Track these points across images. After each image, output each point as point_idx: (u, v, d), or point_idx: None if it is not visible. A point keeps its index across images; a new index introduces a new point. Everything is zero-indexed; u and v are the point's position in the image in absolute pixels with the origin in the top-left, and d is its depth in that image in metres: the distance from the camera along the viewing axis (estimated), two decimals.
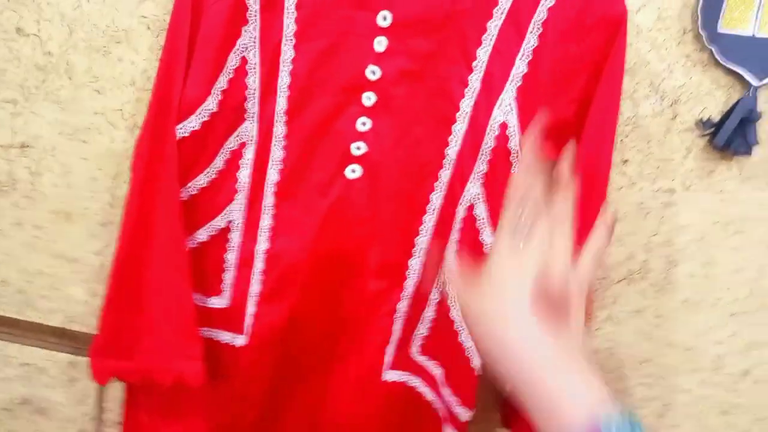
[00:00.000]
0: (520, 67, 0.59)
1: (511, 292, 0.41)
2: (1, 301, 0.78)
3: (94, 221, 0.74)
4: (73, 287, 0.77)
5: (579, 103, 0.61)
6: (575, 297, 0.41)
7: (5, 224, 0.74)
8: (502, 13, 0.59)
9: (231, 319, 0.70)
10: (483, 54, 0.60)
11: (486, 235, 0.62)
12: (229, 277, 0.70)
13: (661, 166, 0.69)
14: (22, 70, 0.70)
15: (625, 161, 0.69)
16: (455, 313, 0.65)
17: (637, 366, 0.77)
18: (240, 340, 0.70)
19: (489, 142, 0.61)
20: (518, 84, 0.60)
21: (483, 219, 0.62)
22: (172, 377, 0.67)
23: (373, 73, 0.61)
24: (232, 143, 0.66)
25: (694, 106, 0.67)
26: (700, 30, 0.63)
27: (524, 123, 0.60)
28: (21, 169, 0.73)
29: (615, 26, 0.58)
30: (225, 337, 0.71)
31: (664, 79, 0.66)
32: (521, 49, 0.59)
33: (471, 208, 0.63)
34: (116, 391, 0.79)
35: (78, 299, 0.77)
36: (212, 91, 0.62)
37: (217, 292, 0.70)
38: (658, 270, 0.73)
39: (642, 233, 0.71)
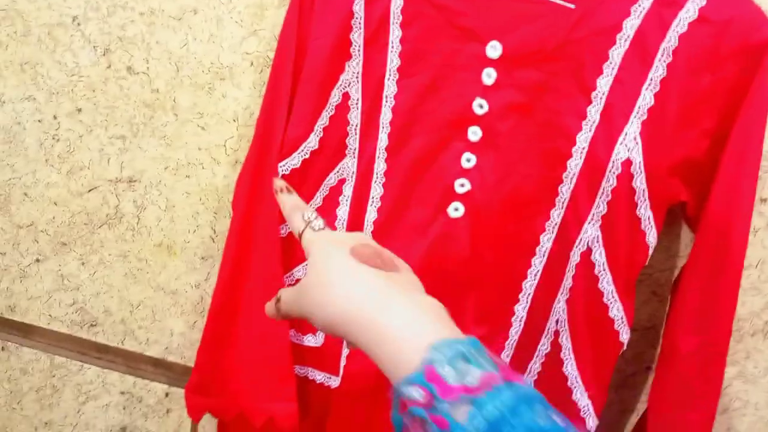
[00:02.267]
0: (645, 98, 0.54)
1: (333, 258, 0.38)
2: (103, 330, 0.80)
3: (195, 255, 0.75)
4: (172, 319, 0.78)
5: (712, 138, 0.54)
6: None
7: (110, 256, 0.76)
8: (626, 39, 0.54)
9: (326, 359, 0.68)
10: (604, 84, 0.55)
11: (605, 283, 0.57)
12: None
13: None
14: (131, 107, 0.72)
15: (764, 200, 0.62)
16: (569, 368, 0.59)
17: None
18: (334, 382, 0.67)
19: (610, 180, 0.56)
20: (643, 117, 0.54)
21: (602, 265, 0.57)
22: (264, 417, 0.66)
23: (481, 106, 0.58)
24: (331, 179, 0.64)
25: None
26: None
27: (650, 160, 0.54)
28: (127, 203, 0.74)
29: (758, 53, 0.52)
30: (319, 377, 0.69)
31: None
32: (647, 79, 0.54)
33: (588, 252, 0.58)
34: (210, 423, 0.79)
35: (176, 331, 0.78)
36: (315, 129, 0.61)
37: (313, 330, 0.68)
38: None
39: None
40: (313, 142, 0.61)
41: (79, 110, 0.72)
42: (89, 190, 0.75)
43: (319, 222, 0.43)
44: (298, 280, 0.67)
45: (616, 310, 0.57)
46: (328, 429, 0.69)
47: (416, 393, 0.30)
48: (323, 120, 0.61)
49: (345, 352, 0.66)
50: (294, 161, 0.62)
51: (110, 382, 0.81)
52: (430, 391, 0.30)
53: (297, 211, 0.43)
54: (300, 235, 0.42)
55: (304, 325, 0.68)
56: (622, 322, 0.57)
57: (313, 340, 0.68)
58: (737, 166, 0.53)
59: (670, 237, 0.64)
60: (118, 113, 0.72)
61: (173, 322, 0.78)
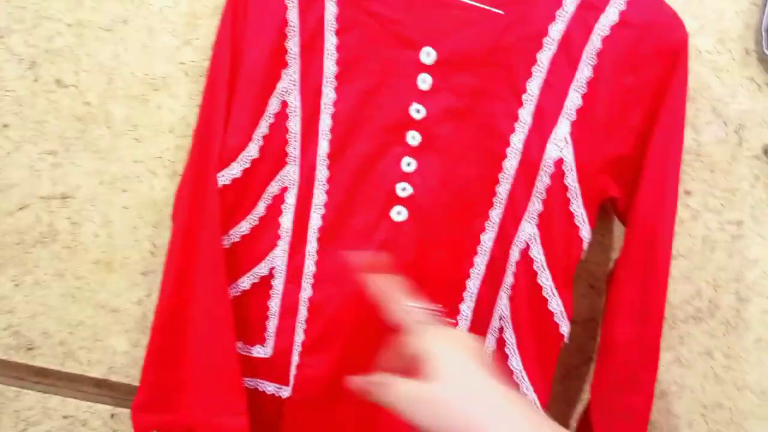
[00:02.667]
0: (573, 99, 0.56)
1: (466, 373, 0.39)
2: (42, 353, 0.76)
3: (135, 270, 0.73)
4: (114, 338, 0.75)
5: (638, 136, 0.57)
6: None
7: (46, 275, 0.74)
8: (553, 43, 0.56)
9: (275, 369, 0.67)
10: (534, 87, 0.57)
11: (544, 279, 0.59)
12: (272, 325, 0.67)
13: (728, 196, 0.65)
14: (61, 121, 0.69)
15: (688, 193, 0.65)
16: (514, 363, 0.61)
17: (707, 411, 0.71)
18: (285, 392, 0.67)
19: (543, 179, 0.58)
20: (572, 118, 0.56)
21: (539, 261, 0.59)
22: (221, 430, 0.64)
23: (418, 111, 0.59)
24: (273, 188, 0.64)
25: (762, 131, 0.63)
26: (765, 50, 0.59)
27: (580, 158, 0.57)
28: (61, 219, 0.72)
29: (675, 53, 0.55)
30: (269, 388, 0.68)
31: (728, 104, 0.62)
32: (574, 81, 0.56)
33: (526, 249, 0.59)
34: None
35: (119, 350, 0.76)
36: (253, 137, 0.60)
37: (261, 341, 0.68)
38: (727, 307, 0.68)
39: (709, 268, 0.67)
40: (252, 150, 0.61)
41: (6, 126, 0.69)
42: (20, 209, 0.72)
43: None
44: (243, 292, 0.66)
45: (555, 304, 0.59)
46: None
47: None
48: (262, 128, 0.61)
49: (295, 361, 0.66)
50: (234, 171, 0.61)
51: (51, 406, 0.78)
52: None
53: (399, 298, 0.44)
54: (408, 325, 0.43)
55: (252, 336, 0.67)
56: (562, 315, 0.59)
57: (262, 351, 0.68)
58: (661, 161, 0.56)
59: (603, 231, 0.66)
60: (48, 128, 0.70)
61: (116, 341, 0.75)
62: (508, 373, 0.61)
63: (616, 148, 0.57)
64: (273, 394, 0.68)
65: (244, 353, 0.67)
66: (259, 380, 0.68)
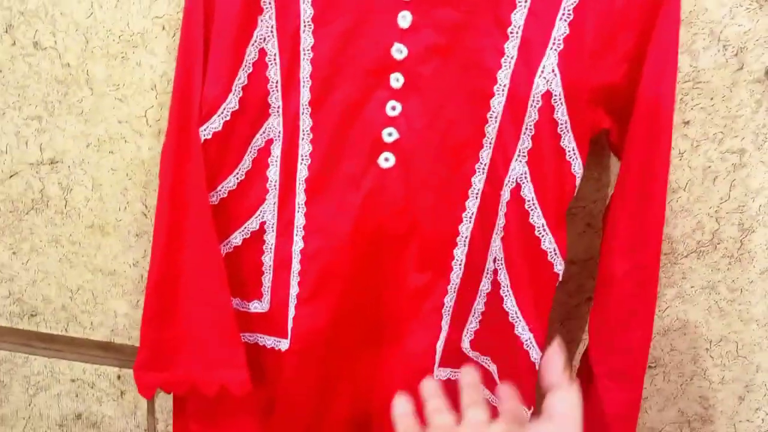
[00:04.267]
0: (560, 28, 0.54)
1: None
2: (45, 319, 0.77)
3: (129, 232, 0.73)
4: (114, 300, 0.76)
5: (630, 63, 0.54)
6: None
7: (42, 242, 0.74)
8: None
9: (273, 323, 0.67)
10: (518, 18, 0.54)
11: (535, 218, 0.57)
12: (267, 280, 0.67)
13: (729, 124, 0.62)
14: (43, 85, 0.68)
15: (687, 122, 0.63)
16: (509, 304, 0.60)
17: (713, 346, 0.70)
18: (284, 345, 0.67)
19: (532, 115, 0.55)
20: (560, 48, 0.54)
21: (531, 200, 0.57)
22: (216, 387, 0.65)
23: (400, 51, 0.57)
24: (258, 141, 0.62)
25: (763, 53, 0.59)
26: None
27: (569, 91, 0.54)
28: (52, 185, 0.72)
29: None
30: (269, 341, 0.68)
31: (726, 26, 0.59)
32: (560, 9, 0.53)
33: (517, 189, 0.58)
34: (166, 401, 0.78)
35: (120, 312, 0.76)
36: (233, 89, 0.59)
37: (258, 296, 0.68)
38: (730, 240, 0.66)
39: (711, 200, 0.65)
40: (232, 102, 0.59)
41: None
42: (10, 176, 0.72)
43: None
44: (236, 248, 0.66)
45: (548, 243, 0.57)
46: (282, 391, 0.69)
47: None
48: (241, 79, 0.59)
49: (291, 313, 0.65)
50: (215, 124, 0.60)
51: (59, 370, 0.79)
52: None
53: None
54: None
55: (248, 291, 0.67)
56: (555, 254, 0.57)
57: (259, 306, 0.68)
58: (655, 88, 0.54)
59: (600, 168, 0.64)
60: (30, 92, 0.69)
61: (116, 304, 0.76)
62: (504, 315, 0.61)
63: (607, 77, 0.54)
64: (272, 348, 0.68)
65: (242, 309, 0.68)
66: (258, 334, 0.69)
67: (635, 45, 0.54)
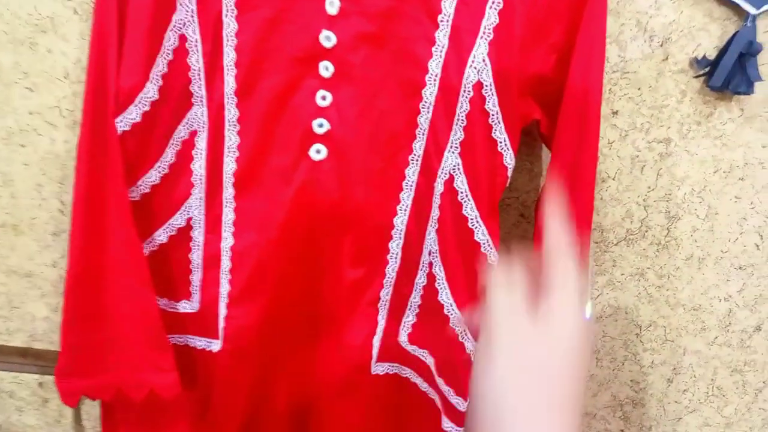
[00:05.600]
0: (490, 17, 0.53)
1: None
2: None
3: (45, 231, 0.68)
4: (32, 304, 0.71)
5: (559, 53, 0.54)
6: None
7: None
8: None
9: (204, 323, 0.65)
10: (448, 6, 0.53)
11: (468, 209, 0.57)
12: (196, 278, 0.64)
13: (655, 114, 0.63)
14: None
15: (615, 112, 0.63)
16: (444, 297, 0.59)
17: (642, 331, 0.72)
18: (215, 346, 0.64)
19: (464, 105, 0.55)
20: (490, 37, 0.53)
21: (464, 192, 0.56)
22: (144, 391, 0.62)
23: (328, 39, 0.55)
24: (181, 132, 0.59)
25: (687, 43, 0.61)
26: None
27: (500, 81, 0.54)
28: None
29: None
30: (200, 343, 0.65)
31: (652, 17, 0.60)
32: None
33: (450, 180, 0.57)
34: (93, 407, 0.74)
35: (39, 316, 0.72)
36: (151, 77, 0.55)
37: (186, 295, 0.65)
38: (658, 227, 0.67)
39: (638, 189, 0.66)
40: (151, 91, 0.56)
41: None
42: None
43: None
44: (162, 245, 0.62)
45: (482, 234, 0.57)
46: (215, 392, 0.66)
47: None
48: (160, 66, 0.56)
49: (223, 312, 0.63)
50: (132, 115, 0.56)
51: None
52: None
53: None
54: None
55: (176, 291, 0.64)
56: (489, 245, 0.57)
57: (189, 306, 0.65)
58: (583, 77, 0.54)
59: (532, 158, 0.64)
60: None
61: (34, 307, 0.71)
62: (439, 308, 0.60)
63: (537, 67, 0.54)
64: (203, 349, 0.65)
65: (171, 310, 0.65)
66: (188, 336, 0.66)
67: (564, 35, 0.53)
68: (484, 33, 0.53)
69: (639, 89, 0.62)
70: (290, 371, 0.65)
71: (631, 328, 0.72)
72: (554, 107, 0.56)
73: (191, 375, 0.66)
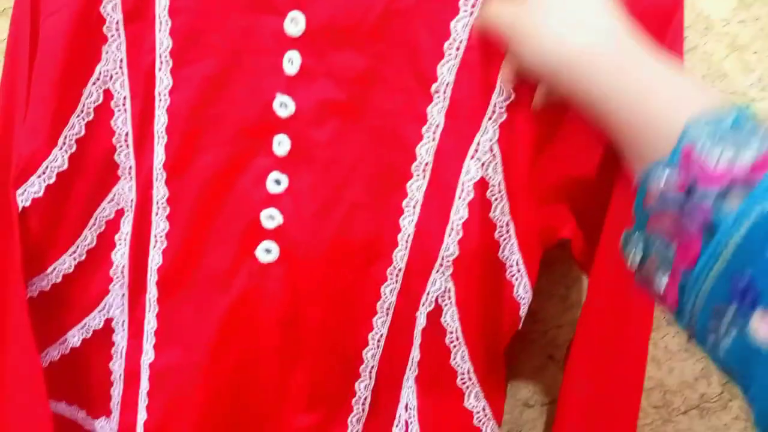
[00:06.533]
0: (504, 91, 0.37)
1: None
2: None
3: None
4: None
5: (606, 147, 0.37)
6: None
7: None
8: (474, 5, 0.37)
9: None
10: (446, 72, 0.38)
11: (459, 359, 0.39)
12: (117, 393, 0.50)
13: None
14: None
15: None
16: None
17: None
18: None
19: (460, 211, 0.38)
20: (502, 118, 0.37)
21: (455, 331, 0.40)
22: None
23: (284, 106, 0.41)
24: (105, 211, 0.47)
25: None
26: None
27: (513, 181, 0.37)
28: None
29: (663, 18, 0.35)
30: None
31: (754, 100, 0.42)
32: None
33: (436, 312, 0.40)
34: None
35: None
36: (59, 142, 0.43)
37: (106, 412, 0.51)
38: None
39: None
40: (59, 159, 0.43)
41: None
42: None
43: None
44: (74, 350, 0.49)
45: (474, 399, 0.39)
46: None
47: (669, 177, 0.26)
48: (74, 128, 0.43)
49: None
50: (34, 188, 0.44)
51: None
52: (689, 175, 0.25)
53: None
54: None
55: (94, 405, 0.51)
56: (485, 416, 0.39)
57: (106, 426, 0.51)
58: None
59: (567, 281, 0.46)
60: None
61: None
62: None
63: (570, 165, 0.38)
64: None
65: (87, 427, 0.51)
66: None
67: None
68: (494, 112, 0.37)
69: None
70: None
71: None
72: (594, 221, 0.38)
73: None
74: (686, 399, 0.48)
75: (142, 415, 0.48)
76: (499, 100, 0.37)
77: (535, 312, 0.43)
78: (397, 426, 0.44)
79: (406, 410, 0.43)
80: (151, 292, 0.46)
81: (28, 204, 0.44)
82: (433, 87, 0.38)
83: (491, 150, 0.37)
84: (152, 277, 0.46)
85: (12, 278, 0.45)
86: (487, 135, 0.37)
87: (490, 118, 0.37)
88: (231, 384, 0.45)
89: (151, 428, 0.47)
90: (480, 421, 0.39)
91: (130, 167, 0.45)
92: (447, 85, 0.38)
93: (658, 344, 0.46)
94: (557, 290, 0.47)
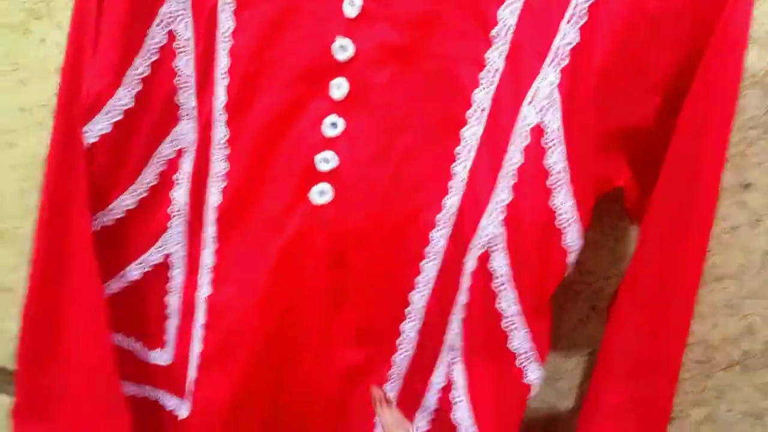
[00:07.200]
0: (568, 35, 0.37)
1: None
2: None
3: (28, 242, 0.60)
4: (11, 321, 0.63)
5: (665, 95, 0.37)
6: None
7: None
8: None
9: (175, 379, 0.54)
10: (508, 16, 0.38)
11: (505, 303, 0.40)
12: (172, 326, 0.53)
13: None
14: None
15: (747, 185, 0.45)
16: (463, 414, 0.43)
17: None
18: (184, 410, 0.53)
19: (515, 157, 0.39)
20: (564, 63, 0.37)
21: (502, 276, 0.40)
22: None
23: (343, 49, 0.41)
24: (166, 150, 0.49)
25: None
26: None
27: (572, 127, 0.37)
28: None
29: None
30: (169, 403, 0.54)
31: None
32: (570, 7, 0.36)
33: (485, 257, 0.41)
34: None
35: (16, 333, 0.63)
36: (124, 81, 0.45)
37: (160, 344, 0.54)
38: None
39: None
40: (126, 98, 0.45)
41: None
42: None
43: None
44: (135, 283, 0.52)
45: (518, 342, 0.40)
46: None
47: None
48: (140, 69, 0.45)
49: (193, 374, 0.51)
50: (100, 125, 0.46)
51: None
52: None
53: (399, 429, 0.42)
54: None
55: (150, 337, 0.54)
56: (528, 357, 0.41)
57: (161, 357, 0.54)
58: (698, 133, 0.36)
59: (617, 233, 0.47)
60: None
61: (13, 324, 0.63)
62: (451, 429, 0.44)
63: (630, 113, 0.37)
64: (172, 411, 0.54)
65: (142, 357, 0.54)
66: (159, 390, 0.55)
67: (675, 70, 0.36)
68: (556, 56, 0.37)
69: None
70: None
71: None
72: (649, 172, 0.38)
73: None
74: (728, 355, 0.48)
75: (197, 347, 0.51)
76: (562, 44, 0.37)
77: (581, 263, 0.44)
78: (440, 366, 0.46)
79: (451, 351, 0.45)
80: (210, 230, 0.48)
81: (96, 140, 0.46)
82: (493, 31, 0.38)
83: (550, 96, 0.37)
84: (211, 215, 0.48)
85: (78, 211, 0.47)
86: (548, 80, 0.37)
87: (551, 64, 0.37)
88: (282, 320, 0.47)
89: (207, 359, 0.50)
90: (521, 363, 0.41)
91: (191, 108, 0.47)
92: (508, 28, 0.38)
93: (703, 300, 0.46)
94: (606, 242, 0.47)
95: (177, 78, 0.46)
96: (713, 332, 0.48)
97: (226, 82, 0.44)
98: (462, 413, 0.43)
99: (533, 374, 0.41)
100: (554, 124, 0.37)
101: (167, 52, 0.45)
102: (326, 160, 0.44)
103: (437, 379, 0.46)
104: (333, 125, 0.43)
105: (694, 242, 0.38)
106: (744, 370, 0.48)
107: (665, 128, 0.37)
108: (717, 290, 0.47)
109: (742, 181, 0.44)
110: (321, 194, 0.45)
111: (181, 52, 0.45)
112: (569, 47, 0.37)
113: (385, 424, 0.42)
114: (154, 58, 0.45)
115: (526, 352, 0.40)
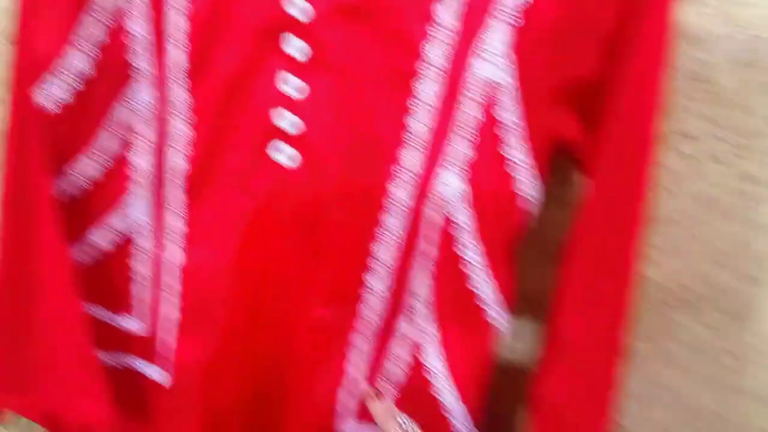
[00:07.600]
0: None
1: None
2: None
3: None
4: None
5: (611, 47, 0.40)
6: None
7: None
8: None
9: (154, 349, 0.55)
10: None
11: (471, 253, 0.42)
12: (144, 294, 0.54)
13: (744, 142, 0.47)
14: None
15: (688, 135, 0.47)
16: (433, 363, 0.46)
17: (699, 422, 0.55)
18: (164, 377, 0.54)
19: (471, 111, 0.40)
20: (515, 19, 0.38)
21: (467, 229, 0.42)
22: (75, 419, 0.53)
23: (293, 4, 0.42)
24: (122, 114, 0.49)
25: None
26: None
27: (527, 82, 0.39)
28: None
29: None
30: (149, 371, 0.56)
31: (748, 4, 0.43)
32: None
33: (449, 211, 0.43)
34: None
35: None
36: (77, 42, 0.45)
37: (126, 309, 0.55)
38: (733, 292, 0.51)
39: (711, 240, 0.51)
40: (81, 63, 0.45)
41: None
42: None
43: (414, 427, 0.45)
44: (98, 249, 0.52)
45: (487, 290, 0.43)
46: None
47: None
48: (94, 32, 0.45)
49: (172, 343, 0.52)
50: (57, 91, 0.46)
51: None
52: None
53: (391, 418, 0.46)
54: None
55: (114, 302, 0.55)
56: (495, 306, 0.43)
57: (133, 324, 0.55)
58: (641, 84, 0.39)
59: (564, 182, 0.49)
60: None
61: None
62: (427, 372, 0.47)
63: (578, 66, 0.40)
64: (154, 380, 0.55)
65: (111, 323, 0.55)
66: (136, 359, 0.56)
67: (618, 24, 0.39)
68: (506, 11, 0.38)
69: (724, 107, 0.46)
70: (244, 420, 0.54)
71: (684, 417, 0.56)
72: (596, 122, 0.41)
73: (139, 407, 0.56)
74: (676, 295, 0.52)
75: (174, 314, 0.52)
76: (514, 1, 0.38)
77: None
78: (411, 319, 0.48)
79: (420, 304, 0.47)
80: (178, 198, 0.49)
81: (56, 108, 0.46)
82: None
83: (503, 52, 0.39)
84: (176, 181, 0.48)
85: (42, 181, 0.48)
86: (499, 35, 0.39)
87: (501, 17, 0.38)
88: (256, 282, 0.49)
89: (184, 326, 0.51)
90: (489, 312, 0.43)
91: (147, 70, 0.47)
92: None
93: (649, 242, 0.49)
94: (552, 191, 0.49)
95: (134, 40, 0.46)
96: (659, 273, 0.51)
97: (185, 45, 0.45)
98: (434, 362, 0.46)
99: (497, 315, 0.43)
100: (507, 80, 0.39)
101: (120, 13, 0.45)
102: (290, 123, 0.45)
103: (409, 331, 0.49)
104: (288, 83, 0.44)
105: (640, 184, 0.40)
106: (689, 309, 0.52)
107: (610, 78, 0.39)
108: (663, 234, 0.50)
109: (683, 131, 0.47)
110: (289, 159, 0.46)
111: (135, 15, 0.45)
112: (521, 4, 0.38)
113: (377, 416, 0.46)
114: (108, 21, 0.45)
115: (493, 302, 0.43)
